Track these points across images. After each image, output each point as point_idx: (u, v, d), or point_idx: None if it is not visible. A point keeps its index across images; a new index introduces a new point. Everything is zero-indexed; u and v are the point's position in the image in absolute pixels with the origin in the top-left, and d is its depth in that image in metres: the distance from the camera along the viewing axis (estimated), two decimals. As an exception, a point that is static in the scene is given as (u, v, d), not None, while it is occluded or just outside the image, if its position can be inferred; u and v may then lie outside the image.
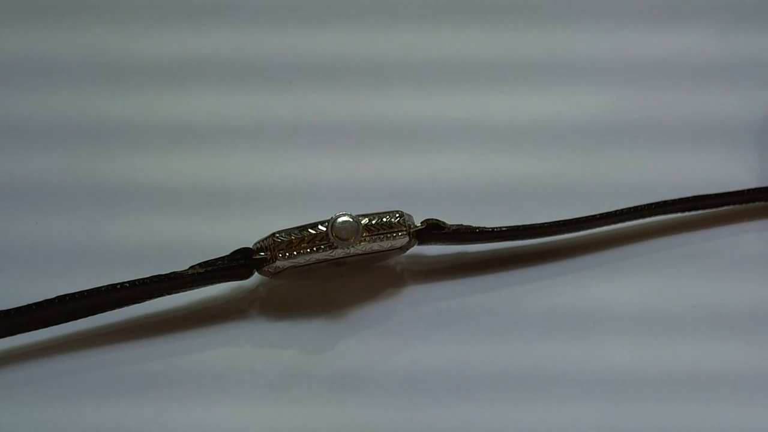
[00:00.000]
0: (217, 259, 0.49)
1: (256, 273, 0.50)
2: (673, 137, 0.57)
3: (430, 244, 0.51)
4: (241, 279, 0.50)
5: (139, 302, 0.49)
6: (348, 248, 0.48)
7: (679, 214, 0.54)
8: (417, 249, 0.52)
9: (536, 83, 0.58)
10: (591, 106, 0.57)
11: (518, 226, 0.51)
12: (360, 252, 0.49)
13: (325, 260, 0.49)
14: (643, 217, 0.53)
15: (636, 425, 0.49)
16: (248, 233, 0.50)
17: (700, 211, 0.54)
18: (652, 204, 0.53)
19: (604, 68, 0.59)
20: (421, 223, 0.50)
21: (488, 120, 0.57)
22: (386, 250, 0.49)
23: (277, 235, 0.48)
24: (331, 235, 0.48)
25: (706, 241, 0.54)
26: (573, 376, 0.50)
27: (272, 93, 0.57)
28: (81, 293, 0.48)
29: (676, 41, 0.60)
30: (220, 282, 0.49)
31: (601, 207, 0.53)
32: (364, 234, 0.48)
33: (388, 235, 0.49)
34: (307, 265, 0.49)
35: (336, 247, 0.48)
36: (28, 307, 0.48)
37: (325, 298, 0.51)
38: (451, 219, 0.51)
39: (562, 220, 0.52)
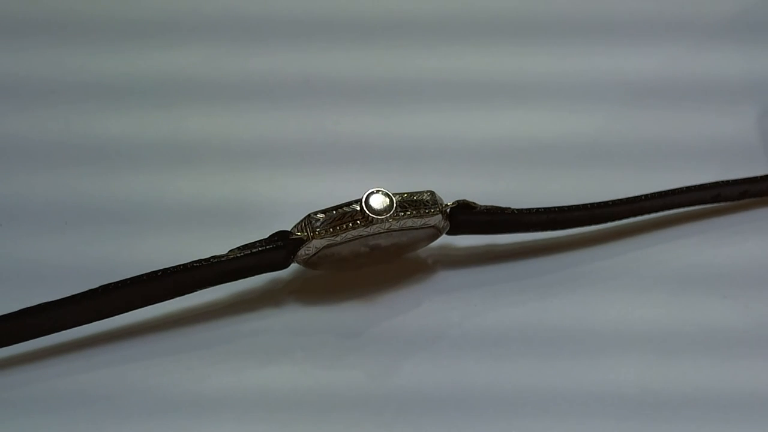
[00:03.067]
0: (255, 242, 0.50)
1: (293, 265, 0.51)
2: (666, 155, 0.58)
3: (462, 232, 0.52)
4: (279, 268, 0.51)
5: (181, 294, 0.50)
6: (382, 223, 0.49)
7: (701, 206, 0.55)
8: (448, 240, 0.53)
9: (528, 101, 0.59)
10: (583, 124, 0.58)
11: (552, 208, 0.52)
12: (395, 228, 0.50)
13: (360, 237, 0.50)
14: (669, 207, 0.55)
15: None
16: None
17: (722, 204, 0.56)
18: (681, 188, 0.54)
19: (596, 86, 0.60)
20: (452, 202, 0.51)
21: (481, 137, 0.58)
22: (420, 228, 0.50)
23: (312, 215, 0.50)
24: (365, 209, 0.49)
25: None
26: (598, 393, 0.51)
27: (280, 110, 0.58)
28: (124, 281, 0.49)
29: (662, 58, 0.61)
30: (259, 271, 0.50)
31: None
32: (398, 209, 0.49)
33: (421, 211, 0.50)
34: (344, 242, 0.50)
35: (371, 222, 0.49)
36: (80, 295, 0.48)
37: (359, 288, 0.52)
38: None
39: (594, 203, 0.53)
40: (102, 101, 0.57)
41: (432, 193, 0.50)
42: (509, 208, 0.52)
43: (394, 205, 0.49)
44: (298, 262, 0.51)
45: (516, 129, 0.58)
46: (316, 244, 0.49)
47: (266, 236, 0.50)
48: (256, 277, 0.51)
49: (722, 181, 0.55)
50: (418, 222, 0.50)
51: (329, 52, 0.60)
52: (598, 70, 0.60)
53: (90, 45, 0.59)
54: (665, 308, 0.53)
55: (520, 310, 0.52)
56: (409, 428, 0.49)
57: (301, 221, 0.50)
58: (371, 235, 0.50)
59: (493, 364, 0.51)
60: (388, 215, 0.49)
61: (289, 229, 0.50)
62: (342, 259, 0.51)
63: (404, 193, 0.50)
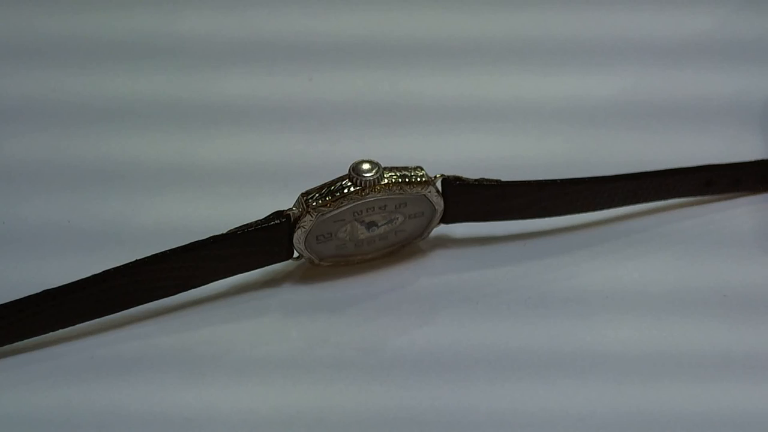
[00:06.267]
0: (252, 222, 0.51)
1: (292, 259, 0.52)
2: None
3: (458, 217, 0.53)
4: (282, 257, 0.51)
5: (186, 289, 0.51)
6: (373, 189, 0.50)
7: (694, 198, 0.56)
8: (444, 231, 0.54)
9: (517, 122, 0.60)
10: (569, 145, 0.59)
11: (546, 181, 0.53)
12: (386, 196, 0.51)
13: (354, 207, 0.50)
14: (663, 198, 0.55)
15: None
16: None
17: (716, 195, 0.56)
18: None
19: (582, 106, 0.60)
20: (440, 175, 0.52)
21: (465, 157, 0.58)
22: (412, 197, 0.51)
23: (305, 192, 0.51)
24: (353, 174, 0.50)
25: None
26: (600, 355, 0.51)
27: (280, 132, 0.59)
28: (126, 265, 0.49)
29: (646, 77, 0.62)
30: (259, 261, 0.51)
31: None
32: (384, 172, 0.50)
33: (409, 178, 0.51)
34: (339, 213, 0.50)
35: (361, 186, 0.50)
36: (75, 283, 0.49)
37: (355, 275, 0.53)
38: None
39: (586, 177, 0.54)
40: (99, 123, 0.59)
41: (420, 167, 0.52)
42: (499, 180, 0.53)
43: (380, 166, 0.50)
44: (298, 250, 0.51)
45: (504, 150, 0.59)
46: (311, 216, 0.50)
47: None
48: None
49: (712, 165, 0.56)
50: (409, 190, 0.51)
51: (330, 73, 0.61)
52: (583, 91, 0.61)
53: (89, 67, 0.61)
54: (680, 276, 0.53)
55: (517, 302, 0.53)
56: (402, 390, 0.50)
57: (296, 200, 0.51)
58: (364, 203, 0.51)
59: (489, 342, 0.51)
60: (376, 175, 0.50)
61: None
62: (342, 246, 0.52)
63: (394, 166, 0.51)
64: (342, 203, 0.50)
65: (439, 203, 0.52)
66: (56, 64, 0.60)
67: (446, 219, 0.53)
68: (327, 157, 0.57)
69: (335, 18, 0.62)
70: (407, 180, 0.51)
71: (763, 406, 0.49)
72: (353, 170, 0.50)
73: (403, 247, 0.54)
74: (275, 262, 0.52)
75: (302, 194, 0.51)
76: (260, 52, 0.61)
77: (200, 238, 0.50)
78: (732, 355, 0.51)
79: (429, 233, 0.53)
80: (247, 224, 0.51)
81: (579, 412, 0.49)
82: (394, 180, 0.51)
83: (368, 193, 0.51)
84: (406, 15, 0.62)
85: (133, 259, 0.50)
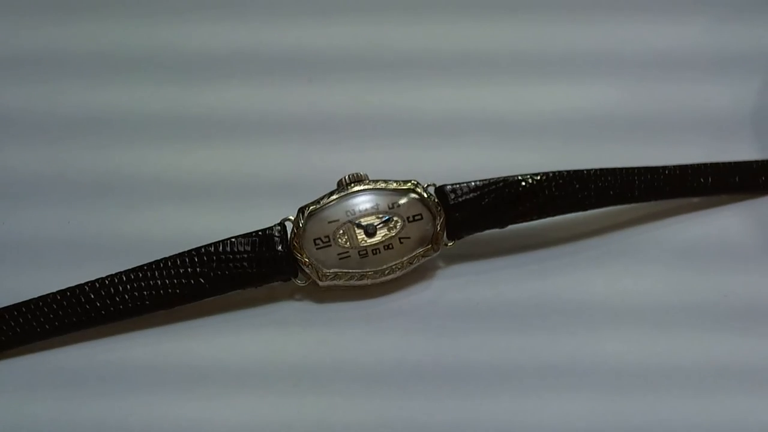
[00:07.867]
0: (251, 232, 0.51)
1: (295, 279, 0.52)
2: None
3: (462, 223, 0.52)
4: (282, 273, 0.51)
5: (185, 302, 0.51)
6: (358, 180, 0.51)
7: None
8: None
9: (506, 136, 0.59)
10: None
11: (546, 173, 0.53)
12: (372, 187, 0.51)
13: (343, 202, 0.51)
14: (674, 195, 0.55)
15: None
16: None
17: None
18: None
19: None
20: (433, 184, 0.53)
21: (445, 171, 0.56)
22: (401, 192, 0.52)
23: (302, 206, 0.52)
24: (344, 179, 0.52)
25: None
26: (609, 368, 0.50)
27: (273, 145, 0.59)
28: (121, 274, 0.50)
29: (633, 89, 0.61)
30: (260, 276, 0.51)
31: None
32: (378, 179, 0.52)
33: (403, 182, 0.52)
34: (329, 206, 0.51)
35: (348, 183, 0.51)
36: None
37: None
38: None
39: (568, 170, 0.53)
40: (96, 133, 0.58)
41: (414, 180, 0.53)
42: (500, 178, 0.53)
43: (367, 176, 0.52)
44: (300, 259, 0.51)
45: (500, 162, 0.57)
46: (301, 215, 0.51)
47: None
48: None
49: (710, 164, 0.56)
50: (394, 186, 0.52)
51: (328, 86, 0.61)
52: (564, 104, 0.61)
53: (86, 78, 0.61)
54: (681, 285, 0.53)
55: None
56: (401, 399, 0.49)
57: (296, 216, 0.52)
58: (354, 201, 0.51)
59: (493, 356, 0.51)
60: (366, 180, 0.52)
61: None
62: (346, 257, 0.52)
63: None
64: (330, 196, 0.51)
65: (435, 205, 0.52)
66: (54, 75, 0.60)
67: (451, 227, 0.53)
68: (324, 170, 0.56)
69: (332, 30, 0.63)
70: (392, 179, 0.52)
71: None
72: (344, 176, 0.52)
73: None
74: (278, 276, 0.52)
75: (299, 208, 0.52)
76: (257, 64, 0.61)
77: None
78: (735, 365, 0.50)
79: (439, 246, 0.53)
80: (243, 234, 0.51)
81: (581, 422, 0.49)
82: (380, 180, 0.52)
83: (353, 187, 0.52)
84: (402, 27, 0.63)
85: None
